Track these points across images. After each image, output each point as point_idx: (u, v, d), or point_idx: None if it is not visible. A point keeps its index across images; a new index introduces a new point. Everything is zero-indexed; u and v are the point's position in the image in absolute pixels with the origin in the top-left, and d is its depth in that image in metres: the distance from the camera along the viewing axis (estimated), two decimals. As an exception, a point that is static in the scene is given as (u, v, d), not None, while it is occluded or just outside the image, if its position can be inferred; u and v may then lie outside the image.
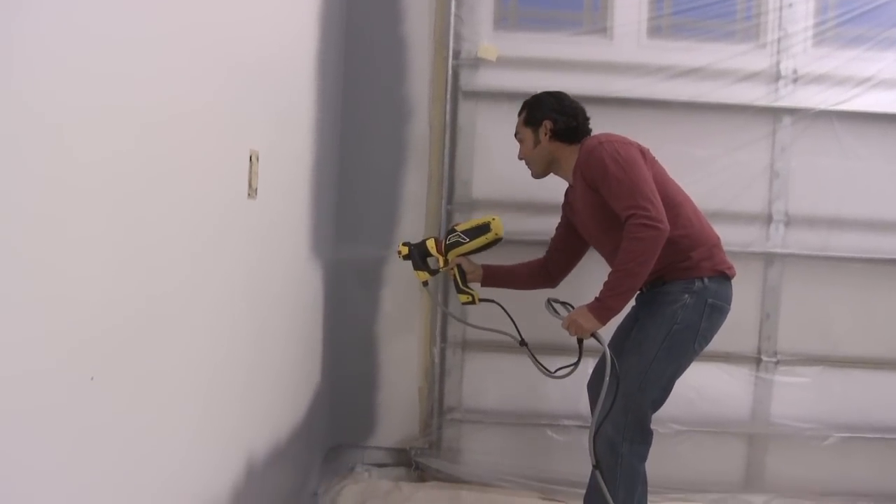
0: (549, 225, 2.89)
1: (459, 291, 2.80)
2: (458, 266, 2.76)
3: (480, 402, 3.16)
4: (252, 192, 2.00)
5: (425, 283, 2.80)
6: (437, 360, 3.23)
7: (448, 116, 3.14)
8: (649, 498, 2.87)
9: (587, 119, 2.63)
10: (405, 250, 2.79)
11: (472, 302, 2.80)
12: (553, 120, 2.57)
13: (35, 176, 1.02)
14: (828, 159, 3.13)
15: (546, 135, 2.58)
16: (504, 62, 3.14)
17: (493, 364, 2.81)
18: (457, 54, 3.14)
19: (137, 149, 1.32)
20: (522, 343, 2.78)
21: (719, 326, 2.50)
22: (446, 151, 3.16)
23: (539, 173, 2.69)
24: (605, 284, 2.32)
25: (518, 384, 2.82)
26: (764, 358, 3.18)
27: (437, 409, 3.26)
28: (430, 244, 2.76)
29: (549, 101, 2.62)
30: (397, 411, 3.26)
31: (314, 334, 2.92)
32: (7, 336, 0.98)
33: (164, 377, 1.52)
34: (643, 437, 2.45)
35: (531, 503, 3.05)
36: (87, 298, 1.18)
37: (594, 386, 2.59)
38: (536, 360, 2.69)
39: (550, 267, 2.79)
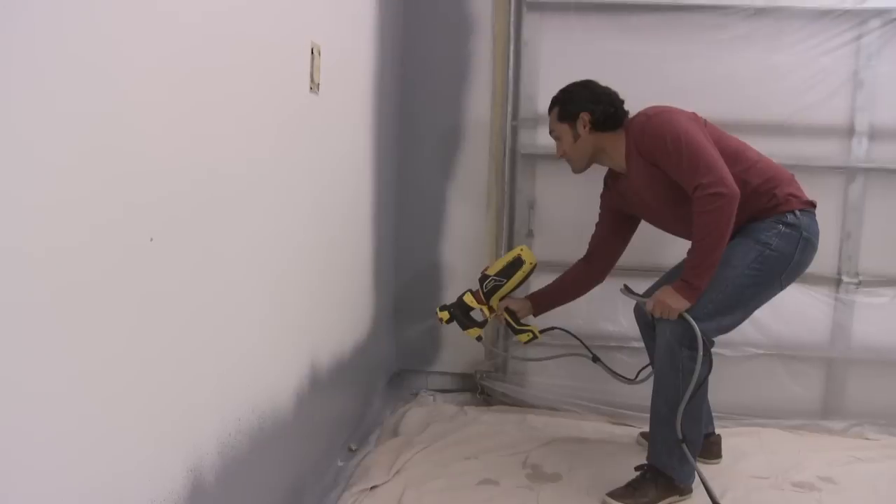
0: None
1: (516, 332, 2.68)
2: (506, 308, 2.65)
3: (547, 324, 3.08)
4: (314, 86, 1.94)
5: (479, 339, 2.68)
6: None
7: (512, 29, 3.04)
8: (721, 423, 2.80)
9: (622, 101, 2.49)
10: (446, 315, 2.61)
11: (535, 337, 2.67)
12: (590, 111, 2.43)
13: (109, 51, 1.05)
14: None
15: (585, 127, 2.45)
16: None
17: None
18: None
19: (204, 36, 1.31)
20: (595, 359, 2.71)
21: (808, 265, 2.38)
22: (511, 66, 3.06)
23: (581, 168, 2.55)
24: (686, 263, 2.24)
25: (585, 305, 2.72)
26: (844, 279, 3.03)
27: (502, 331, 3.20)
28: (469, 299, 2.59)
29: (581, 93, 2.48)
30: (462, 336, 3.19)
31: (379, 251, 2.89)
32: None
33: (229, 259, 1.48)
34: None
35: (600, 427, 2.98)
36: (147, 153, 1.16)
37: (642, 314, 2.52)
38: (614, 372, 2.68)
39: (595, 262, 2.67)
